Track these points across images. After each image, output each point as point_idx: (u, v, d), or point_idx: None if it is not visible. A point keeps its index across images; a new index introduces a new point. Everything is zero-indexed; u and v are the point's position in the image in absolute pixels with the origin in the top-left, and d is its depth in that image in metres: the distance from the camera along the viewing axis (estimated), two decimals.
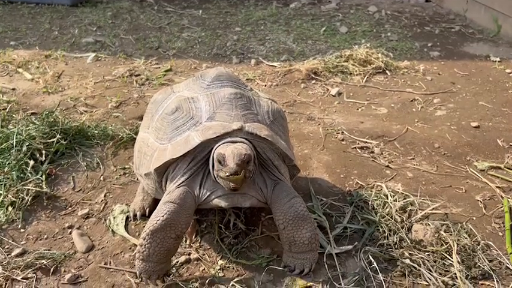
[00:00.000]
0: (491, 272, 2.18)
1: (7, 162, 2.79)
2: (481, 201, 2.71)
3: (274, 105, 2.46)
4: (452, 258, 2.22)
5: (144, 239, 2.03)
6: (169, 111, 2.30)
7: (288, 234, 2.15)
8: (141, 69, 4.62)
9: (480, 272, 2.18)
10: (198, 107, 2.28)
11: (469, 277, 2.16)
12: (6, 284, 2.14)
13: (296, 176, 2.56)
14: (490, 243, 2.37)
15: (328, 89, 4.25)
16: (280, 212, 2.15)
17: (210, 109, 2.25)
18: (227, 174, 1.97)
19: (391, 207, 2.57)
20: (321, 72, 4.50)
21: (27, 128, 3.06)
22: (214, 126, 2.17)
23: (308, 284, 2.13)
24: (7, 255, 2.30)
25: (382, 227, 2.44)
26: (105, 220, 2.55)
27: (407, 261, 2.23)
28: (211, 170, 2.14)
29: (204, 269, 2.23)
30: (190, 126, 2.22)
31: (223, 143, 2.11)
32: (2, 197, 2.61)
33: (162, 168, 2.23)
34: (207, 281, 2.13)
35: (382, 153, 3.21)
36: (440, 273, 2.17)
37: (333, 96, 4.14)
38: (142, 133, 2.50)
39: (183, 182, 2.16)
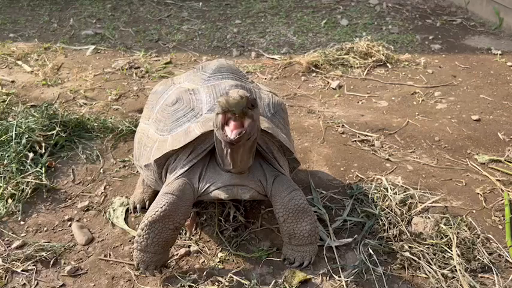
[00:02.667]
0: (491, 265, 2.19)
1: (6, 155, 2.79)
2: (481, 195, 2.71)
3: (275, 98, 2.45)
4: (452, 251, 2.23)
5: (142, 230, 2.04)
6: (169, 103, 2.29)
7: (288, 227, 2.16)
8: (140, 61, 4.60)
9: (480, 265, 2.18)
10: (198, 98, 2.27)
11: (469, 270, 2.16)
12: (6, 276, 2.14)
13: (296, 169, 2.55)
14: (490, 236, 2.37)
15: (328, 82, 4.23)
16: (280, 204, 2.15)
17: (211, 101, 2.24)
18: (228, 99, 1.81)
19: (391, 200, 2.57)
20: (321, 65, 4.48)
21: (27, 121, 3.05)
22: None
23: (307, 277, 2.13)
24: (7, 247, 2.30)
25: (382, 220, 2.44)
26: (104, 213, 2.55)
27: (407, 254, 2.23)
28: (216, 155, 2.11)
29: (204, 262, 2.24)
30: (190, 118, 2.21)
31: None
32: (1, 189, 2.61)
33: (162, 159, 2.23)
34: (204, 273, 2.13)
35: (382, 147, 3.21)
36: (439, 266, 2.18)
37: (334, 89, 4.12)
38: (143, 124, 2.50)
39: (182, 173, 2.15)
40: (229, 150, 1.99)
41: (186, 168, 2.17)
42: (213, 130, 2.11)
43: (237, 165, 2.07)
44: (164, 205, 2.04)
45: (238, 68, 2.57)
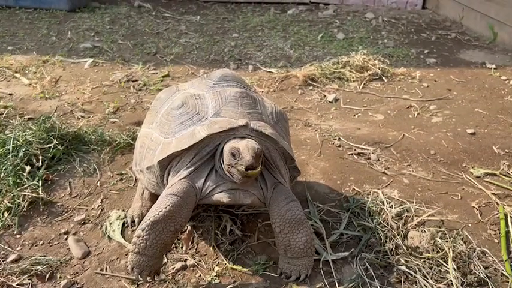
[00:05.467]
0: (487, 279, 2.19)
1: (3, 168, 2.78)
2: (476, 208, 2.72)
3: (277, 107, 2.51)
4: (448, 265, 2.23)
5: (143, 230, 2.02)
6: (175, 107, 2.32)
7: (283, 237, 2.16)
8: (138, 74, 4.63)
9: (476, 279, 2.19)
10: (204, 103, 2.31)
11: (465, 284, 2.16)
12: None
13: (296, 178, 2.56)
14: (486, 250, 2.38)
15: (325, 95, 4.26)
16: (277, 214, 2.15)
17: (216, 106, 2.28)
18: (244, 167, 1.98)
19: (387, 214, 2.58)
20: (318, 78, 4.52)
21: (24, 134, 3.05)
22: (220, 121, 2.19)
23: None
24: (2, 261, 2.29)
25: (378, 233, 2.45)
26: (101, 226, 2.55)
27: (404, 268, 2.23)
28: (219, 164, 2.14)
29: (200, 276, 2.23)
30: (196, 121, 2.24)
31: (233, 139, 2.13)
32: None
33: (166, 161, 2.24)
34: (197, 285, 2.13)
35: (378, 160, 3.22)
36: (436, 280, 2.18)
37: (330, 102, 4.15)
38: (146, 129, 2.51)
39: (186, 176, 2.16)
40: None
41: (189, 171, 2.17)
42: (218, 133, 2.15)
43: (245, 182, 2.14)
44: (168, 205, 2.04)
45: (242, 77, 2.61)
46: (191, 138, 2.17)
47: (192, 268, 2.28)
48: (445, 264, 2.24)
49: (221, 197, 2.15)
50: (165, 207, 2.03)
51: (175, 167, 2.24)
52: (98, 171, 3.00)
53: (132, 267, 2.09)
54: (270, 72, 4.78)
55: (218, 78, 2.45)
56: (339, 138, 3.48)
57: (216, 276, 2.22)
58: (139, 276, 2.09)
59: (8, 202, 2.60)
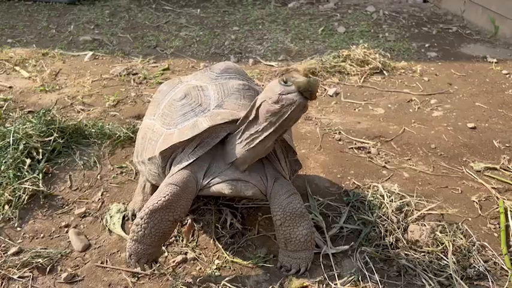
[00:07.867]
0: (486, 273, 2.20)
1: (4, 161, 2.78)
2: (476, 202, 2.73)
3: None
4: (447, 258, 2.24)
5: (141, 219, 2.02)
6: (177, 98, 2.32)
7: (284, 230, 2.16)
8: (138, 67, 4.62)
9: (475, 272, 2.19)
10: (206, 94, 2.30)
11: (464, 277, 2.17)
12: (2, 283, 2.13)
13: (297, 172, 2.56)
14: (486, 243, 2.38)
15: (325, 89, 4.25)
16: (279, 207, 2.15)
17: (219, 97, 2.28)
18: (305, 80, 1.81)
19: (387, 208, 2.58)
20: (318, 72, 4.51)
21: (24, 127, 3.05)
22: (223, 113, 2.19)
23: (304, 284, 2.14)
24: (3, 254, 2.30)
25: (378, 227, 2.45)
26: (101, 219, 2.55)
27: (403, 261, 2.24)
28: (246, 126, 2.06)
29: (201, 269, 2.24)
30: (198, 113, 2.24)
31: None
32: None
33: (168, 152, 2.24)
34: (197, 280, 2.14)
35: (378, 154, 3.22)
36: (435, 274, 2.18)
37: (330, 96, 4.15)
38: (147, 120, 2.50)
39: (187, 166, 2.16)
40: (273, 128, 1.96)
41: (191, 161, 2.17)
42: (220, 124, 2.14)
43: (261, 149, 2.06)
44: (167, 195, 2.04)
45: (244, 70, 2.61)
46: (193, 129, 2.17)
47: (192, 261, 2.28)
48: (445, 258, 2.25)
49: (222, 188, 2.15)
50: (164, 197, 2.03)
51: (176, 158, 2.24)
52: (98, 165, 3.00)
53: (130, 255, 2.09)
54: (270, 65, 4.77)
55: (221, 70, 2.45)
56: (339, 132, 3.48)
57: (216, 269, 2.23)
58: (136, 264, 2.09)
59: (9, 195, 2.60)
